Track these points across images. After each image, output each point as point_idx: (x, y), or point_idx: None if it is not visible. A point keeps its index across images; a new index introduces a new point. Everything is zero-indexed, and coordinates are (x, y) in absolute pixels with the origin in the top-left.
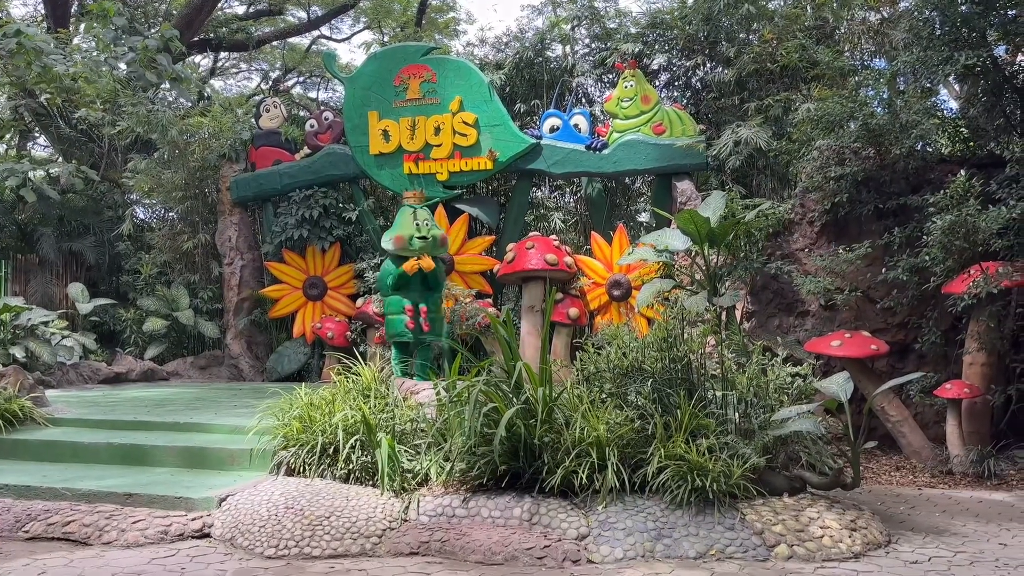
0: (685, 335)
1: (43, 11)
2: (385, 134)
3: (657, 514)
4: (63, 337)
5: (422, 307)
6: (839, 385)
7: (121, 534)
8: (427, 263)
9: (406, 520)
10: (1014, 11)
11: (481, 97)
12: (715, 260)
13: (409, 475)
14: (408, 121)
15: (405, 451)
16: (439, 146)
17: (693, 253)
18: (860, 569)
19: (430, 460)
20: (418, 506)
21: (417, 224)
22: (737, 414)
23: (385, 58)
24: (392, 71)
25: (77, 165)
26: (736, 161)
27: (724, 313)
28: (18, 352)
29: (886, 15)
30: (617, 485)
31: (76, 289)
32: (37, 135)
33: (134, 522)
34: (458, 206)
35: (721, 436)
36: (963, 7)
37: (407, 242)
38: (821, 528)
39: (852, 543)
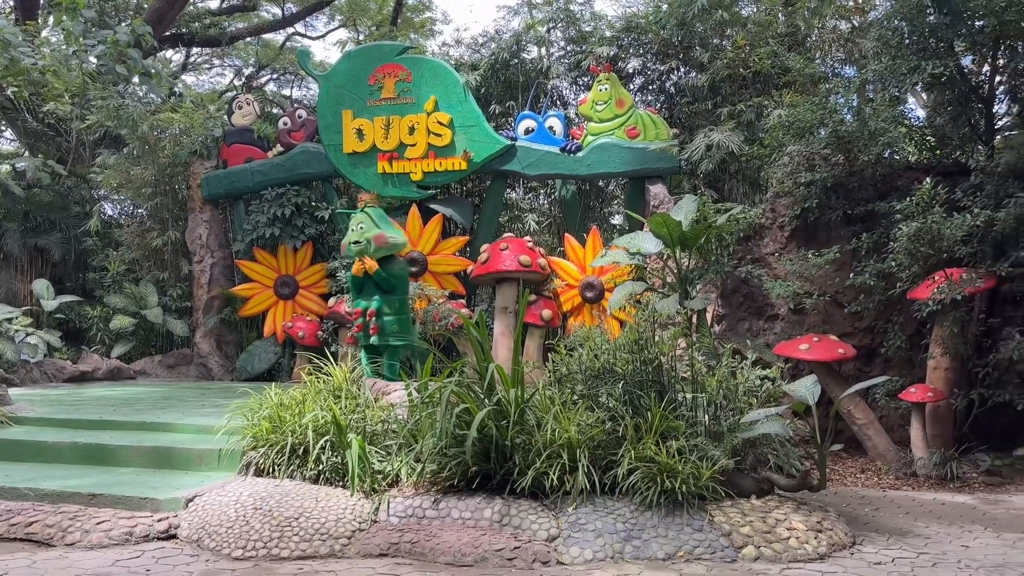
0: (656, 337)
1: (11, 3)
2: (359, 133)
3: (627, 515)
4: (27, 334)
5: (369, 310)
6: (807, 388)
7: (85, 535)
8: (369, 264)
9: (376, 521)
10: (981, 22)
11: (456, 97)
12: (686, 263)
13: (379, 476)
14: (382, 120)
15: (376, 452)
16: (413, 146)
17: (665, 256)
18: (825, 570)
19: (401, 461)
20: (388, 507)
21: (352, 229)
22: (707, 416)
23: (360, 56)
24: (367, 70)
25: (44, 159)
26: (708, 165)
27: (695, 316)
28: None
29: (856, 24)
30: (588, 486)
31: (41, 286)
32: (3, 128)
33: (98, 523)
34: (432, 206)
35: (691, 438)
36: (931, 17)
37: (346, 247)
38: (788, 529)
39: (818, 544)
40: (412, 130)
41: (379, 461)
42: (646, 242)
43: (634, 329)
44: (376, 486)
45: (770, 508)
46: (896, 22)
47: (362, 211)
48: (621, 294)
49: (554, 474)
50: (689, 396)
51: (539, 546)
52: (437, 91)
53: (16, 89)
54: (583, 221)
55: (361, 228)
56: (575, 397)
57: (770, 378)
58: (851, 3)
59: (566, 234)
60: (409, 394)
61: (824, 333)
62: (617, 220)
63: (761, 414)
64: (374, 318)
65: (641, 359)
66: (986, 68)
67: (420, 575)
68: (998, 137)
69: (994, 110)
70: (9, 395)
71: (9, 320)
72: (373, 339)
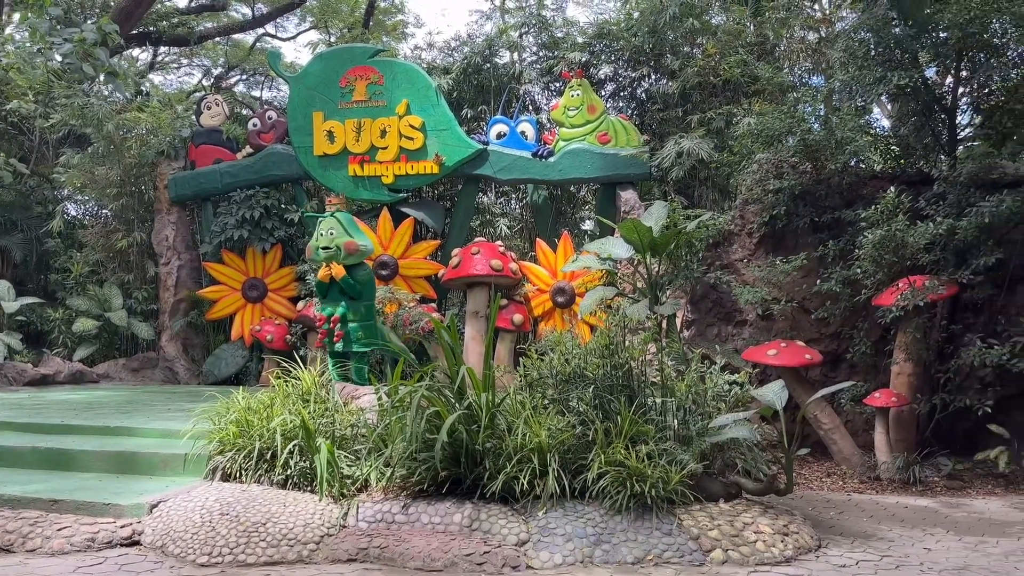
0: (626, 342)
1: None
2: (330, 135)
3: (596, 519)
4: None
5: (335, 315)
6: (774, 393)
7: (46, 541)
8: (336, 270)
9: (345, 526)
10: (945, 34)
11: (428, 101)
12: (657, 269)
13: (348, 481)
14: (354, 123)
15: (345, 456)
16: (385, 149)
17: (635, 262)
18: (791, 573)
19: (370, 466)
20: (357, 512)
21: (320, 233)
22: (676, 421)
23: (332, 58)
24: (338, 72)
25: (5, 158)
26: (679, 172)
27: (664, 321)
28: None
29: (823, 35)
30: (557, 491)
31: (1, 287)
32: None
33: (59, 529)
34: (403, 210)
35: (660, 442)
36: (896, 30)
37: (313, 252)
38: (755, 533)
39: (784, 548)
40: (384, 133)
41: (348, 466)
42: (617, 247)
43: (605, 334)
44: (345, 491)
45: (738, 512)
46: (862, 34)
47: (332, 215)
48: (592, 299)
49: (524, 479)
50: (659, 401)
51: (509, 551)
52: (409, 94)
53: None
54: (554, 226)
55: (331, 233)
56: (546, 401)
57: (738, 383)
58: (819, 14)
59: (537, 239)
60: (379, 398)
61: (791, 339)
62: (588, 225)
63: (729, 419)
64: (338, 324)
65: (611, 364)
66: (949, 79)
67: None
68: (960, 147)
69: (957, 121)
70: None
71: None
72: (337, 345)
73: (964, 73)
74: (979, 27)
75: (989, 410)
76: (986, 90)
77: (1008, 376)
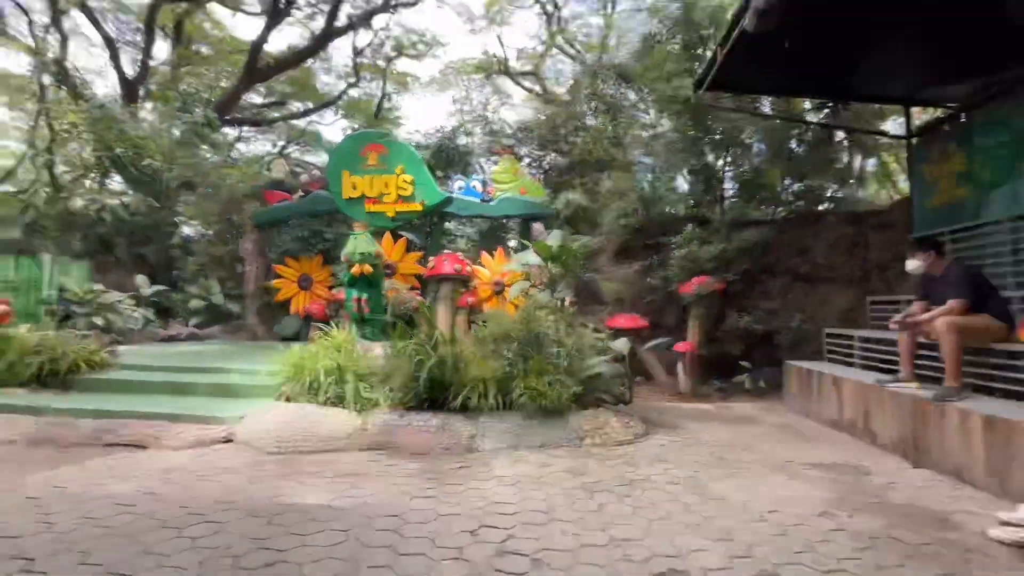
0: (537, 315)
1: (120, 91)
2: (353, 186)
3: (518, 421)
4: (132, 311)
5: (363, 296)
6: (623, 345)
7: (170, 441)
8: (366, 268)
9: (364, 429)
10: (718, 136)
11: (416, 165)
12: (555, 271)
13: (367, 401)
14: (369, 179)
15: (364, 386)
16: (388, 194)
17: (543, 267)
18: (631, 449)
19: (380, 392)
20: (371, 420)
21: (357, 244)
22: (566, 363)
23: (355, 139)
24: (359, 147)
25: (143, 197)
26: (568, 212)
27: (560, 303)
28: (99, 321)
29: (652, 133)
30: (495, 405)
31: (141, 279)
32: (114, 175)
33: (179, 433)
34: (400, 233)
35: (557, 375)
36: (691, 132)
37: (351, 256)
38: (610, 427)
39: (627, 434)
40: (387, 185)
41: (366, 391)
42: (532, 258)
43: (524, 310)
44: (364, 407)
45: (600, 415)
46: (672, 135)
47: (362, 234)
48: (517, 289)
49: (474, 398)
50: (557, 350)
51: (465, 441)
52: (403, 161)
53: (123, 150)
54: (493, 244)
55: (367, 244)
56: (488, 351)
57: (603, 339)
58: (648, 120)
59: (483, 251)
60: (386, 349)
61: (633, 313)
62: (513, 244)
63: (598, 361)
64: (366, 303)
65: (528, 329)
66: (720, 162)
67: (392, 460)
68: (727, 202)
69: (725, 187)
70: (118, 350)
71: (119, 301)
72: (367, 316)
73: (728, 159)
74: (737, 132)
75: (740, 353)
76: (741, 169)
77: (751, 334)
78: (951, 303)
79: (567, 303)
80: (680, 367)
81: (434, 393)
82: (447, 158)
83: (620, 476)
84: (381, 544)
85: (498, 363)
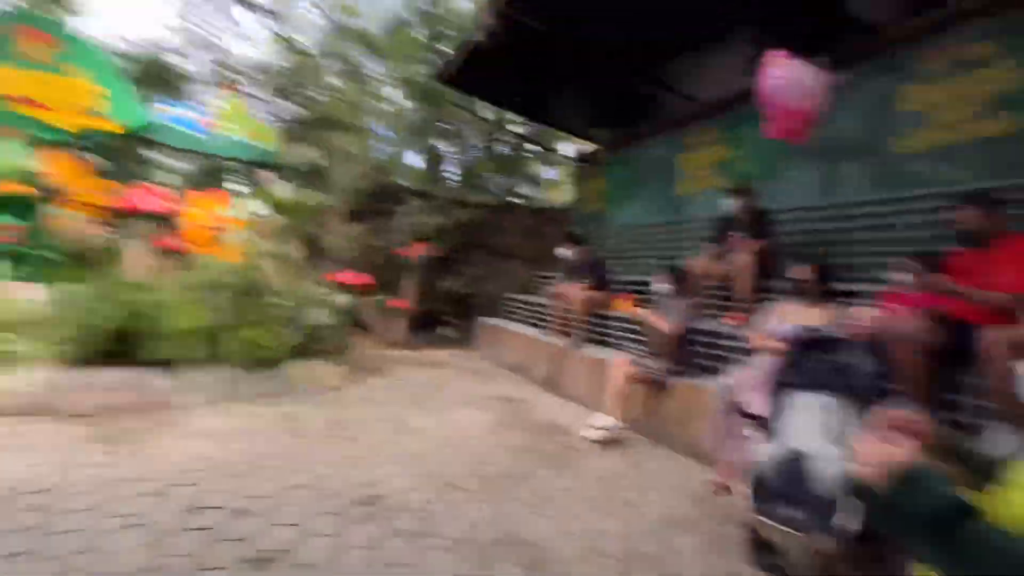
0: (260, 265)
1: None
2: None
3: (228, 374)
4: None
5: (11, 224)
6: (348, 300)
7: None
8: (12, 187)
9: (11, 391)
10: (449, 125)
11: (110, 76)
12: (284, 223)
13: (9, 354)
14: (26, 74)
15: (9, 336)
16: (69, 104)
17: (271, 217)
18: (344, 394)
19: (40, 345)
20: (26, 379)
21: None
22: (288, 314)
23: None
24: (5, 28)
25: None
26: (302, 167)
27: (286, 256)
28: None
29: (394, 108)
30: (202, 357)
31: None
32: None
33: None
34: (86, 155)
35: (276, 326)
36: (425, 116)
37: None
38: (325, 375)
39: (339, 380)
40: (66, 90)
41: (8, 344)
42: (258, 207)
43: (245, 259)
44: (9, 362)
45: (318, 364)
46: (409, 114)
47: (7, 142)
48: (239, 237)
49: (177, 350)
50: (276, 301)
51: (161, 398)
52: (92, 67)
53: None
54: (214, 185)
55: (15, 155)
56: (198, 298)
57: (327, 293)
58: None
59: (196, 191)
60: (52, 293)
61: (360, 271)
62: (237, 188)
63: (319, 313)
64: (15, 232)
65: (246, 278)
66: (443, 146)
67: (54, 426)
68: (448, 182)
69: (449, 169)
70: None
71: None
72: (15, 248)
73: (453, 148)
74: (461, 126)
75: (446, 310)
76: (462, 158)
77: (456, 295)
78: (585, 284)
79: (294, 256)
80: (395, 321)
81: (124, 346)
82: (158, 77)
83: (329, 418)
84: (23, 527)
85: (209, 313)
